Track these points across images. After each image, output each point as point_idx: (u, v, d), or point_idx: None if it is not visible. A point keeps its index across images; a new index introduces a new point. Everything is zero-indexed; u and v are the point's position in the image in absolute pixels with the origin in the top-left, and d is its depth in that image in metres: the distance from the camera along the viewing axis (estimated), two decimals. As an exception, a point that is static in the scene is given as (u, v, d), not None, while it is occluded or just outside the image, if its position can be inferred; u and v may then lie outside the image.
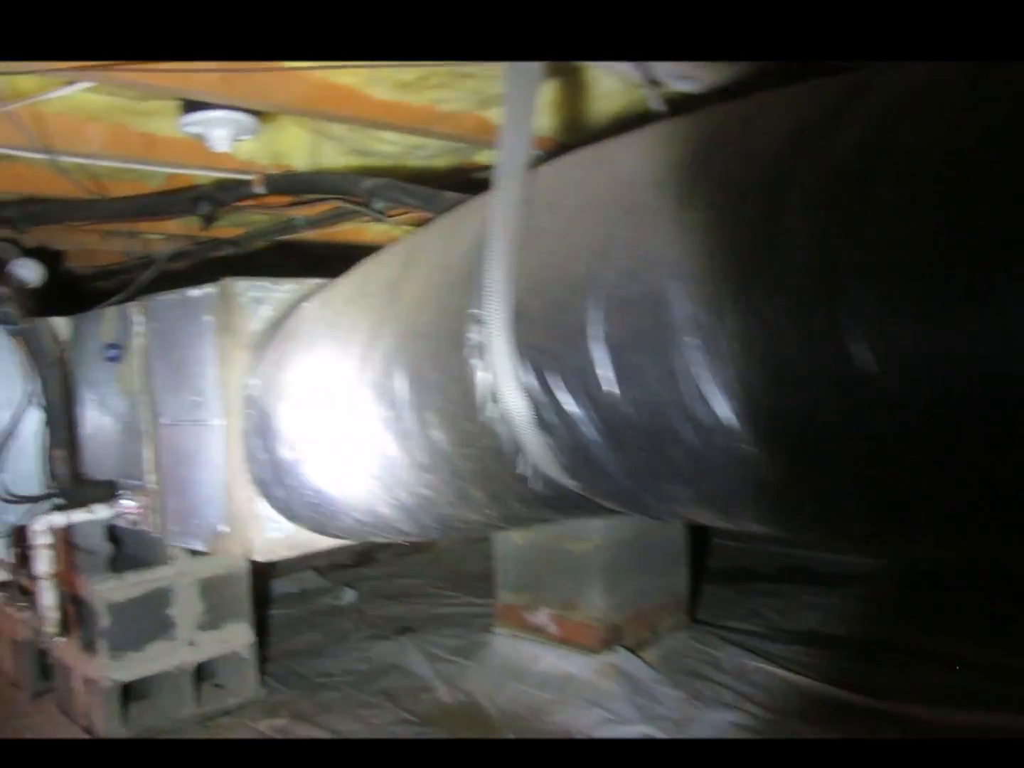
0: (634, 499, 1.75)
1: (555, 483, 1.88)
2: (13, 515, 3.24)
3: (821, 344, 1.28)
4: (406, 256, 2.05)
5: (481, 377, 1.78)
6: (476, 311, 1.76)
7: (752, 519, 1.57)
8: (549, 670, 4.05)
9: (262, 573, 4.33)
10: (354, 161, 2.84)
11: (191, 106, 2.19)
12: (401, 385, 1.92)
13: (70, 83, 1.98)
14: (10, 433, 3.16)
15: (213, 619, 3.83)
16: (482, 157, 3.09)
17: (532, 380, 1.68)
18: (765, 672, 3.98)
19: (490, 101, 2.42)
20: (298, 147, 2.71)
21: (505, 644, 4.30)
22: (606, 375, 1.54)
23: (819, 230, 1.26)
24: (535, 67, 1.73)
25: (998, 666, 3.81)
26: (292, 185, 2.77)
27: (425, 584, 5.50)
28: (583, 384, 1.59)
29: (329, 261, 4.82)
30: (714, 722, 3.58)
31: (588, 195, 1.62)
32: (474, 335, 1.76)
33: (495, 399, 1.78)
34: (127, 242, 3.68)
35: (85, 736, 3.69)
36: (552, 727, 3.64)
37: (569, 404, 1.63)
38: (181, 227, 3.54)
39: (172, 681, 3.76)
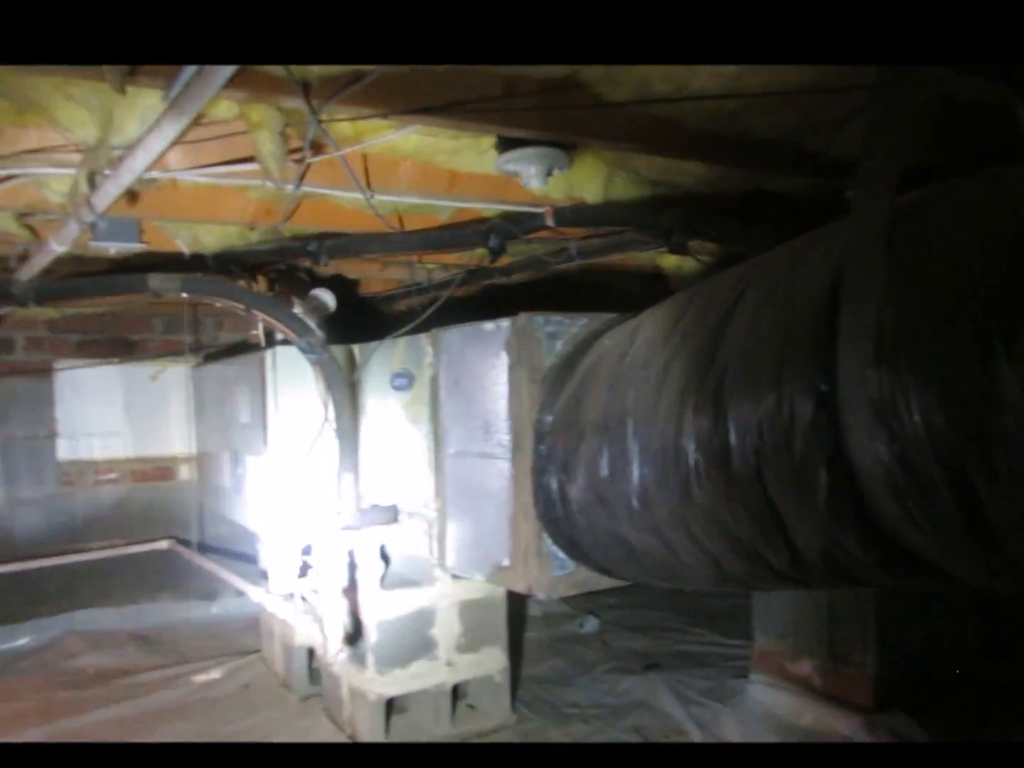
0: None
1: (898, 546, 1.70)
2: (304, 532, 3.42)
3: None
4: (733, 295, 1.92)
5: (826, 433, 1.63)
6: (827, 362, 1.61)
7: None
8: (814, 727, 3.78)
9: (515, 596, 4.36)
10: (646, 191, 2.77)
11: (507, 144, 2.19)
12: (733, 435, 1.80)
13: (403, 127, 2.03)
14: (308, 456, 3.34)
15: (471, 641, 3.87)
16: (772, 184, 2.93)
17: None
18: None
19: (807, 128, 2.27)
20: (592, 179, 2.67)
21: (763, 692, 4.06)
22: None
23: None
24: (909, 83, 1.56)
25: None
26: (584, 218, 2.74)
27: (669, 617, 5.34)
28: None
29: (584, 288, 4.83)
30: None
31: (982, 232, 1.43)
32: (825, 386, 1.62)
33: (841, 456, 1.62)
34: (405, 270, 3.82)
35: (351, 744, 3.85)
36: (823, 792, 3.37)
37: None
38: (456, 256, 3.63)
39: (430, 699, 3.83)
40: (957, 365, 1.38)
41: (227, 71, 1.47)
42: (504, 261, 3.82)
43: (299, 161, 2.15)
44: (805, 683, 3.93)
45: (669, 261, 3.75)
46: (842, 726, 3.67)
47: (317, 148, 2.23)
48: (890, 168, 1.57)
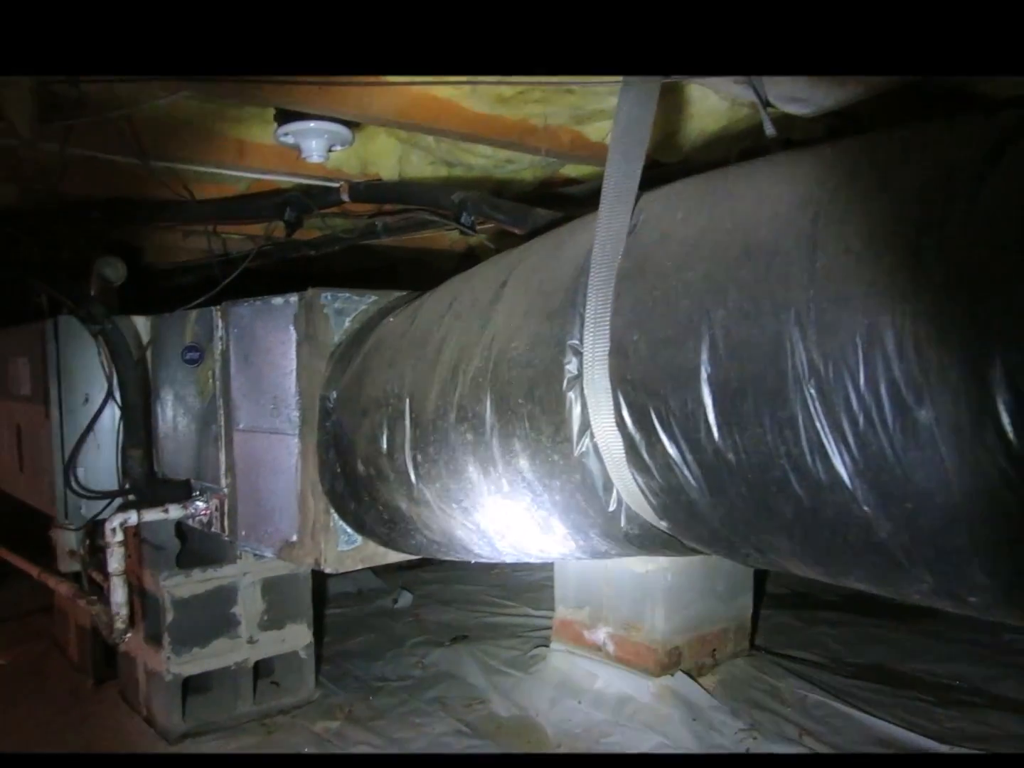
0: (729, 546, 1.68)
1: (644, 522, 1.82)
2: (87, 509, 3.28)
3: (960, 404, 1.19)
4: (502, 277, 1.99)
5: (575, 410, 1.72)
6: (575, 342, 1.70)
7: (861, 581, 1.49)
8: (605, 689, 3.98)
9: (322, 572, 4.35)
10: (441, 171, 2.80)
11: (287, 116, 2.16)
12: (489, 411, 1.87)
13: (172, 93, 1.97)
14: (89, 429, 3.19)
15: (274, 618, 3.84)
16: (570, 170, 3.03)
17: (630, 417, 1.62)
18: (828, 707, 3.84)
19: (587, 117, 2.36)
20: (386, 156, 2.67)
21: (561, 659, 4.24)
22: (712, 419, 1.47)
23: (968, 283, 1.17)
24: (651, 87, 1.66)
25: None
26: (378, 194, 2.74)
27: (481, 591, 5.47)
28: (686, 426, 1.52)
29: (404, 264, 4.83)
30: (774, 756, 3.47)
31: (702, 228, 1.54)
32: (571, 367, 1.71)
33: (589, 434, 1.72)
34: (207, 240, 3.69)
35: (145, 725, 3.74)
36: (606, 748, 3.57)
37: (669, 446, 1.56)
38: (261, 227, 3.55)
39: (231, 677, 3.78)
40: (671, 352, 1.50)
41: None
42: (313, 235, 3.77)
43: (54, 121, 2.04)
44: (600, 650, 4.13)
45: (479, 240, 3.80)
46: (628, 688, 3.90)
47: (84, 109, 2.12)
48: (633, 170, 1.68)
